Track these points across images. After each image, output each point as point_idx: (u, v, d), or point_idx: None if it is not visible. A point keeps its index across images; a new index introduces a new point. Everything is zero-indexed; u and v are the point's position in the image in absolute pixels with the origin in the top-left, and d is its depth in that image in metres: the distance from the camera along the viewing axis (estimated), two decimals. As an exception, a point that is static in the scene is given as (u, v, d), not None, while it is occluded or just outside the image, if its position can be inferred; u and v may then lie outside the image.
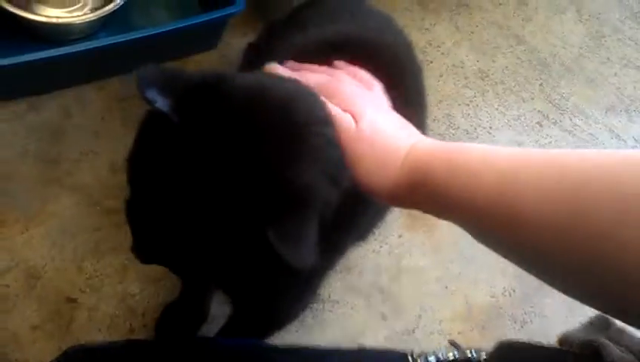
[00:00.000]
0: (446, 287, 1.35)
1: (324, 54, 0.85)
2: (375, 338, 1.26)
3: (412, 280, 1.34)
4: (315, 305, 1.24)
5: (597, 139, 1.67)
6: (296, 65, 0.82)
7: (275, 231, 0.58)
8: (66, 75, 1.36)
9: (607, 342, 0.99)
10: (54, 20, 1.34)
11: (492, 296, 1.36)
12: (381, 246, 1.36)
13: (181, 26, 1.35)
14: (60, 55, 1.23)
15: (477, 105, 1.64)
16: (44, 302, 1.17)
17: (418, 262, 1.37)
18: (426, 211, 0.69)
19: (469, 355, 0.80)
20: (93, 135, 1.35)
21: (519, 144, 1.60)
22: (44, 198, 1.26)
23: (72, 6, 1.39)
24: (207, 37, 1.49)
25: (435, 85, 1.64)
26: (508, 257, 0.63)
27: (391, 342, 1.26)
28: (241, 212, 0.61)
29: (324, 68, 0.81)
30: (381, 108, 0.75)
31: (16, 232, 1.22)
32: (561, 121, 1.68)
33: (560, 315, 1.38)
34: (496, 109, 1.65)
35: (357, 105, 0.72)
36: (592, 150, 0.55)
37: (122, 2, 1.37)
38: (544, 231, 0.54)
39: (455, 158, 0.64)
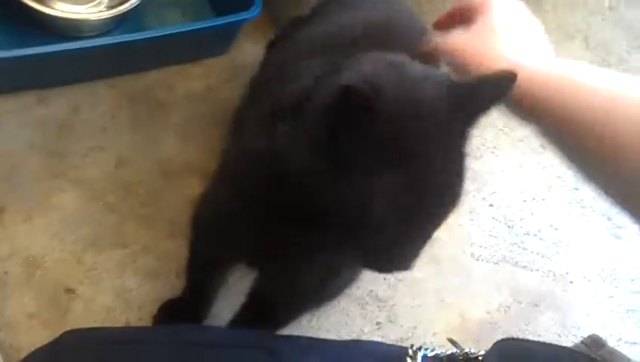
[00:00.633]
0: (442, 300, 1.36)
1: (356, 41, 0.87)
2: (369, 345, 1.26)
3: (409, 291, 1.35)
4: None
5: (599, 164, 1.68)
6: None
7: None
8: (77, 70, 1.38)
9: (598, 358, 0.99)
10: (70, 15, 1.36)
11: (487, 312, 1.37)
12: (380, 257, 1.37)
13: (194, 28, 1.37)
14: (72, 50, 1.25)
15: (482, 125, 1.64)
16: (42, 291, 1.17)
17: (416, 273, 1.37)
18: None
19: (467, 351, 0.81)
20: (101, 131, 1.36)
21: (521, 165, 1.62)
22: (48, 190, 1.27)
23: (89, 3, 1.41)
24: (219, 41, 1.51)
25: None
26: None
27: (384, 351, 1.26)
28: None
29: None
30: None
31: (18, 221, 1.23)
32: (564, 145, 1.68)
33: (553, 334, 1.38)
34: (501, 130, 1.66)
35: None
36: None
37: (137, 2, 1.39)
38: None
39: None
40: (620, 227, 1.59)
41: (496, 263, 1.44)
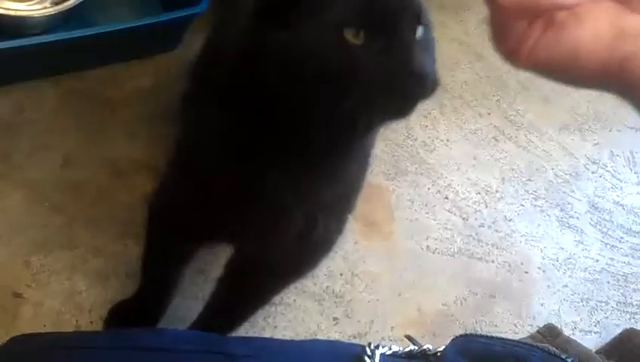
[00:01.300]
0: (399, 294, 1.35)
1: None
2: (326, 341, 1.25)
3: (365, 286, 1.34)
4: (266, 307, 1.23)
5: (551, 155, 1.70)
6: None
7: None
8: (20, 69, 1.33)
9: (553, 349, 0.99)
10: (12, 13, 1.32)
11: (444, 304, 1.37)
12: (336, 252, 1.35)
13: (140, 24, 1.34)
14: (13, 48, 1.21)
15: (435, 118, 1.65)
16: (-11, 297, 1.14)
17: (372, 268, 1.36)
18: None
19: (425, 348, 0.80)
20: (46, 130, 1.32)
21: (475, 158, 1.62)
22: (-8, 192, 1.23)
23: (32, 0, 1.37)
24: (167, 37, 1.48)
25: (394, 96, 1.65)
26: None
27: (342, 347, 1.26)
28: None
29: None
30: None
31: (-38, 225, 1.19)
32: (516, 137, 1.70)
33: (509, 325, 1.39)
34: (454, 122, 1.67)
35: None
36: None
37: (82, -1, 1.36)
38: None
39: None
40: (573, 217, 1.61)
41: (452, 256, 1.44)
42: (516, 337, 1.36)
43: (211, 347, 0.79)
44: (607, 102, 1.84)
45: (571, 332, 1.42)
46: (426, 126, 1.63)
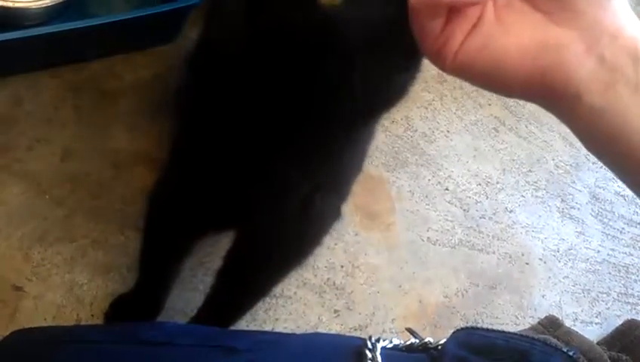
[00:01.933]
0: (400, 286, 1.35)
1: None
2: (327, 333, 1.25)
3: (366, 278, 1.34)
4: (267, 299, 1.23)
5: (551, 146, 1.69)
6: None
7: None
8: (18, 60, 1.32)
9: (554, 340, 0.99)
10: (10, 4, 1.31)
11: (445, 296, 1.36)
12: (336, 244, 1.35)
13: (138, 15, 1.33)
14: (12, 40, 1.20)
15: (435, 109, 1.65)
16: (-11, 290, 1.13)
17: (373, 260, 1.36)
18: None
19: (426, 341, 0.80)
20: (46, 123, 1.32)
21: (476, 148, 1.62)
22: (-8, 185, 1.23)
23: (29, -9, 1.36)
24: (166, 29, 1.47)
25: (394, 87, 1.65)
26: None
27: (343, 339, 1.26)
28: None
29: None
30: None
31: (-39, 219, 1.18)
32: (516, 128, 1.69)
33: (510, 316, 1.39)
34: (454, 113, 1.66)
35: None
36: None
37: (81, -11, 1.35)
38: None
39: None
40: (574, 208, 1.61)
41: (453, 247, 1.44)
42: (517, 329, 1.36)
43: (211, 341, 0.79)
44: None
45: (572, 323, 1.42)
46: (426, 117, 1.62)
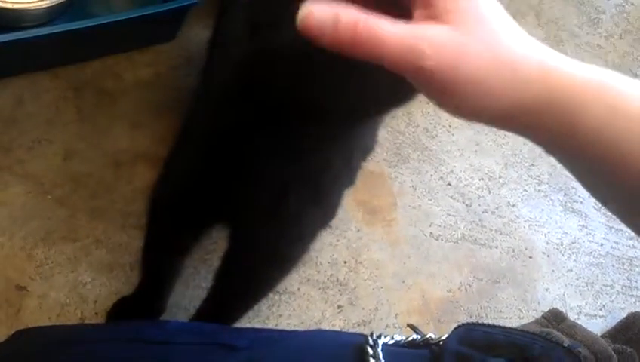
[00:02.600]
0: (403, 281, 1.35)
1: None
2: (331, 329, 1.25)
3: (369, 274, 1.34)
4: (270, 295, 1.23)
5: (554, 139, 1.69)
6: None
7: None
8: (19, 61, 1.32)
9: (558, 333, 0.99)
10: (9, 6, 1.31)
11: (448, 291, 1.37)
12: (339, 240, 1.36)
13: (139, 15, 1.33)
14: (12, 41, 1.20)
15: (436, 104, 1.64)
16: (-8, 290, 1.14)
17: (376, 255, 1.36)
18: (537, 141, 0.51)
19: (428, 336, 0.80)
20: (47, 123, 1.32)
21: (478, 143, 1.61)
22: (-6, 186, 1.23)
23: (29, -9, 1.36)
24: (166, 27, 1.47)
25: (395, 83, 1.65)
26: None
27: (347, 335, 1.26)
28: None
29: None
30: None
31: (-36, 219, 1.19)
32: (518, 122, 1.69)
33: (514, 310, 1.39)
34: (456, 108, 1.66)
35: None
36: None
37: (81, -11, 1.35)
38: None
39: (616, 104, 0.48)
40: (577, 201, 1.60)
41: (456, 242, 1.44)
42: (521, 322, 1.36)
43: (212, 338, 0.80)
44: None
45: (576, 316, 1.42)
46: (428, 112, 1.62)
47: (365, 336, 0.78)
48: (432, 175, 1.52)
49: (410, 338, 0.81)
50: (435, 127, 1.60)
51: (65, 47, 1.34)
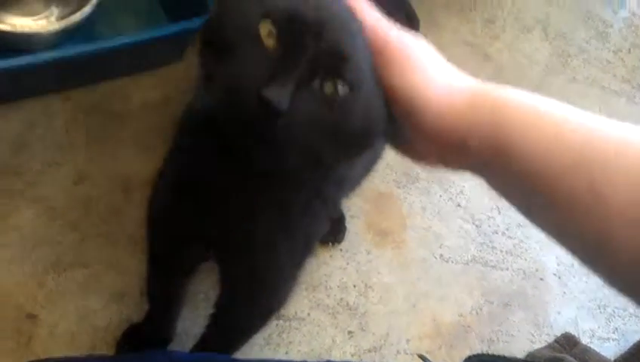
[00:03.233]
0: (414, 305, 1.34)
1: None
2: (342, 356, 1.25)
3: (379, 298, 1.33)
4: (280, 322, 1.22)
5: (563, 157, 1.68)
6: None
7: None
8: (29, 84, 1.33)
9: (571, 359, 0.99)
10: (19, 29, 1.31)
11: (460, 315, 1.36)
12: (348, 264, 1.35)
13: (147, 37, 1.33)
14: (23, 65, 1.20)
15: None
16: (3, 319, 1.13)
17: (386, 279, 1.36)
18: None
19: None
20: (57, 146, 1.32)
21: (487, 162, 1.61)
22: (4, 211, 1.23)
23: (38, 15, 1.36)
24: (174, 48, 1.47)
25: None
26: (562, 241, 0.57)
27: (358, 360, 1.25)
28: None
29: None
30: None
31: (-26, 245, 1.18)
32: (528, 140, 1.68)
33: (526, 334, 1.38)
34: (465, 127, 1.65)
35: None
36: None
37: (89, 12, 1.34)
38: None
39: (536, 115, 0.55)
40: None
41: (466, 264, 1.43)
42: (533, 347, 1.36)
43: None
44: (620, 106, 1.83)
45: (589, 340, 1.41)
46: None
47: None
48: (441, 196, 1.51)
49: None
50: (444, 146, 1.60)
51: (74, 70, 1.34)
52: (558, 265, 1.50)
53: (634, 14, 2.10)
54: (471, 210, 1.51)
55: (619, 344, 1.44)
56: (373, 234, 1.40)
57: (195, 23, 1.34)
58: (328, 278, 1.32)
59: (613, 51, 1.99)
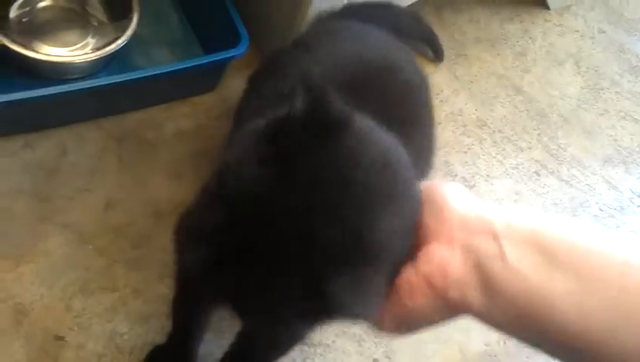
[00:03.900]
0: (439, 335, 1.33)
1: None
2: (366, 384, 1.24)
3: (405, 327, 1.32)
4: (305, 348, 1.22)
5: (594, 190, 1.67)
6: None
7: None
8: (63, 113, 1.36)
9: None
10: (55, 59, 1.35)
11: (486, 344, 1.34)
12: (375, 292, 1.34)
13: (181, 67, 1.36)
14: (57, 93, 1.23)
15: (475, 153, 1.64)
16: (31, 340, 1.15)
17: (412, 308, 1.35)
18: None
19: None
20: (89, 173, 1.35)
21: (517, 193, 1.60)
22: (35, 236, 1.25)
23: (74, 45, 1.40)
24: (207, 79, 1.50)
25: (433, 132, 1.65)
26: None
27: (382, 389, 1.24)
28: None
29: None
30: None
31: (6, 269, 1.21)
32: (558, 171, 1.67)
33: (555, 365, 1.35)
34: (494, 158, 1.65)
35: None
36: None
37: (124, 43, 1.38)
38: None
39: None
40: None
41: (494, 294, 1.42)
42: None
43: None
44: (652, 134, 1.81)
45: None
46: (466, 162, 1.61)
47: None
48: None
49: None
50: (473, 176, 1.60)
51: (107, 99, 1.37)
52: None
53: (667, 48, 2.09)
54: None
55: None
56: (400, 263, 1.40)
57: (230, 53, 1.37)
58: (354, 306, 1.32)
59: (646, 84, 1.97)
